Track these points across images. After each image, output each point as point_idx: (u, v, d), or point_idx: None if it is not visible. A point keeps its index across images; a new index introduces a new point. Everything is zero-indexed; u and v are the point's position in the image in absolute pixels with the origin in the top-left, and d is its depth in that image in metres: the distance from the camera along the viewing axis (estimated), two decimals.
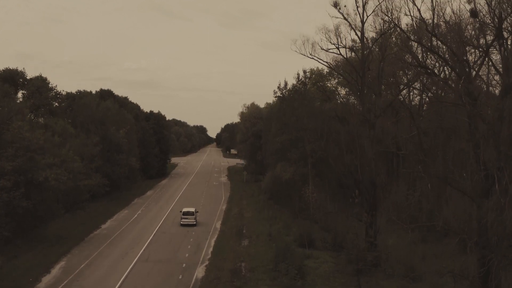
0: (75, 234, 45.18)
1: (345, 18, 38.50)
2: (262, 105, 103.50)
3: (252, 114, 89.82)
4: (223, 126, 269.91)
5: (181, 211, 51.55)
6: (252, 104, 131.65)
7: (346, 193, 48.58)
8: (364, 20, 38.51)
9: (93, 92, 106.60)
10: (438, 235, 43.22)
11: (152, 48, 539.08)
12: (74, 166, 44.34)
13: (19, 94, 71.28)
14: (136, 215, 55.90)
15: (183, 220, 50.13)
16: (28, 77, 72.09)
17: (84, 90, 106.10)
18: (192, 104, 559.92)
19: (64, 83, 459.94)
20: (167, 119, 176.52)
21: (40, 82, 71.18)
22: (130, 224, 50.61)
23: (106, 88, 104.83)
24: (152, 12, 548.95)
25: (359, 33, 39.37)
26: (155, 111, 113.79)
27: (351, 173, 33.37)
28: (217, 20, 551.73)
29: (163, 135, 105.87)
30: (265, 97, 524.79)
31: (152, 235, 44.36)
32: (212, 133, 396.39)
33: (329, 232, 47.30)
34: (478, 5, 24.48)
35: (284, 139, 54.62)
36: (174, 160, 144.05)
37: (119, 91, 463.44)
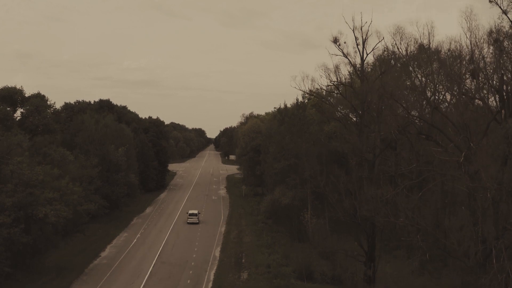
0: (75, 264, 45.29)
1: (345, 56, 38.74)
2: (261, 113, 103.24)
3: (251, 129, 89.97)
4: (222, 129, 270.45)
5: (187, 213, 67.02)
6: (251, 114, 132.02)
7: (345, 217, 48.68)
8: (364, 58, 38.72)
9: (92, 102, 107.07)
10: (438, 265, 43.41)
11: (152, 47, 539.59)
12: (74, 198, 44.29)
13: (18, 113, 71.65)
14: (135, 240, 55.94)
15: (189, 219, 65.43)
16: (26, 95, 72.16)
17: (83, 101, 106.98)
18: (191, 103, 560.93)
19: (63, 82, 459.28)
20: (166, 123, 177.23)
21: (39, 101, 71.10)
22: (130, 251, 50.64)
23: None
24: (152, 11, 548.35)
25: (359, 69, 39.55)
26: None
27: (351, 216, 33.46)
28: (217, 19, 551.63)
29: (161, 147, 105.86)
30: (264, 97, 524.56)
31: (152, 267, 44.38)
32: (211, 133, 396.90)
33: (327, 260, 47.51)
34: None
35: (283, 165, 54.71)
36: (172, 167, 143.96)
37: (118, 91, 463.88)
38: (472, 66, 23.79)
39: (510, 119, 21.40)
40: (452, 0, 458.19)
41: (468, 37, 22.94)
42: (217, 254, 50.07)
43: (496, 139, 21.01)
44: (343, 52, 38.32)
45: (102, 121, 76.49)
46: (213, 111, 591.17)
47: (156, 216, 71.66)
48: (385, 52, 48.76)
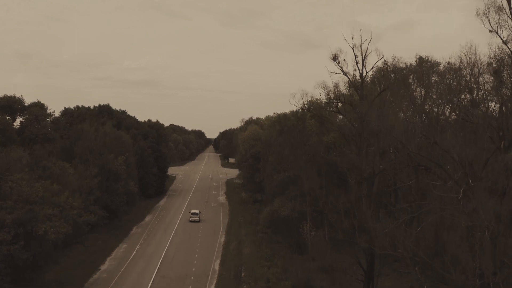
0: (75, 277, 45.37)
1: (344, 74, 38.70)
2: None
3: (250, 136, 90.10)
4: (221, 130, 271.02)
5: (189, 212, 76.50)
6: (251, 119, 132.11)
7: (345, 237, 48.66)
8: (364, 76, 38.70)
9: (92, 107, 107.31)
10: (436, 281, 43.49)
11: (152, 47, 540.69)
12: (74, 213, 44.33)
13: (17, 121, 71.64)
14: (135, 251, 55.95)
15: (191, 218, 74.74)
16: (26, 104, 72.07)
17: (82, 106, 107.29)
18: (191, 103, 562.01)
19: (63, 82, 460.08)
20: (165, 125, 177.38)
21: (38, 109, 71.07)
22: (129, 264, 50.64)
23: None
24: (152, 11, 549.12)
25: (358, 85, 39.57)
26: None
27: (350, 237, 33.52)
28: (217, 19, 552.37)
29: (161, 153, 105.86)
30: (264, 97, 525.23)
31: (151, 282, 44.38)
32: (211, 133, 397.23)
33: (326, 274, 47.56)
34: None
35: (282, 176, 54.76)
36: (172, 170, 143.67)
37: (118, 91, 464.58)
38: (472, 96, 23.86)
39: (510, 151, 21.44)
40: (452, 0, 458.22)
41: (468, 71, 23.05)
42: (217, 267, 50.11)
43: (495, 171, 21.13)
44: (342, 70, 38.34)
45: (101, 129, 76.49)
46: (213, 111, 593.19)
47: (155, 226, 71.66)
48: (385, 65, 48.88)
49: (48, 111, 75.13)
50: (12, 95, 71.08)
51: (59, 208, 42.16)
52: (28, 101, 71.72)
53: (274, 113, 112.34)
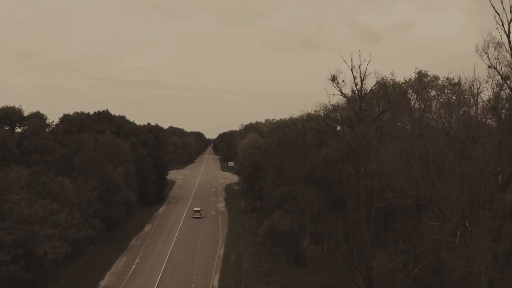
0: None
1: (343, 95, 38.75)
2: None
3: (250, 144, 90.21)
4: (221, 132, 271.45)
5: (193, 210, 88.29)
6: (250, 124, 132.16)
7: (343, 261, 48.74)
8: (363, 97, 38.74)
9: (91, 113, 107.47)
10: None
11: (152, 47, 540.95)
12: (73, 231, 44.35)
13: (17, 131, 71.65)
14: (134, 265, 56.01)
15: (194, 215, 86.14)
16: (25, 114, 72.12)
17: (82, 112, 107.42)
18: (191, 103, 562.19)
19: (63, 82, 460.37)
20: (164, 127, 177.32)
21: (37, 120, 71.11)
22: (128, 279, 50.70)
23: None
24: (152, 11, 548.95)
25: (357, 107, 39.59)
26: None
27: (349, 261, 33.62)
28: (217, 19, 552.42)
29: (160, 160, 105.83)
30: (264, 97, 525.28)
31: None
32: (210, 134, 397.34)
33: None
34: None
35: (282, 191, 54.81)
36: (171, 174, 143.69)
37: (118, 91, 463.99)
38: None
39: (508, 188, 21.50)
40: (452, 0, 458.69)
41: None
42: (216, 283, 50.13)
43: (492, 209, 21.19)
44: (341, 91, 38.41)
45: (100, 139, 76.46)
46: (212, 111, 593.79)
47: (154, 236, 71.67)
48: (383, 83, 48.96)
49: (47, 121, 75.55)
50: (12, 105, 71.51)
51: (59, 228, 42.16)
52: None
53: (273, 119, 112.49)
